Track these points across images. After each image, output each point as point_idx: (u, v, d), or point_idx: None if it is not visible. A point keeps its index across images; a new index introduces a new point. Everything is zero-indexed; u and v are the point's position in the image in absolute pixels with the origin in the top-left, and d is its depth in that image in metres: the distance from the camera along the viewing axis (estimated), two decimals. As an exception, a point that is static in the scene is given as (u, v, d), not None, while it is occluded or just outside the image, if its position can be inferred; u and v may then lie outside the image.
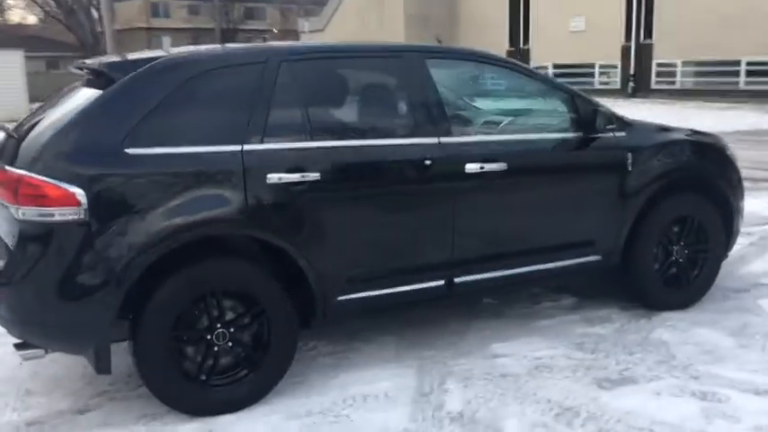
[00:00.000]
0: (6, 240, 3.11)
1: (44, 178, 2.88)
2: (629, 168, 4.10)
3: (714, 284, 4.55)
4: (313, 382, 3.52)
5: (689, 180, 4.43)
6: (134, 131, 3.03)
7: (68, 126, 3.03)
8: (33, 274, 2.95)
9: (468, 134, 3.97)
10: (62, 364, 3.72)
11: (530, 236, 3.97)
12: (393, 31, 30.31)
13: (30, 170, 2.92)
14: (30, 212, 2.91)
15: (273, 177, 3.20)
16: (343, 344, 3.95)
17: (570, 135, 4.04)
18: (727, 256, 4.65)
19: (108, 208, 2.96)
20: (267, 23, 58.22)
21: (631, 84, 25.92)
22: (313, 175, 3.28)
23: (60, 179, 2.88)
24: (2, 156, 3.22)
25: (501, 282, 3.90)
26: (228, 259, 3.32)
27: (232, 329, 3.23)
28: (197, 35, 47.50)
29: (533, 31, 29.84)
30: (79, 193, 2.88)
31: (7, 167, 3.04)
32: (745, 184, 4.76)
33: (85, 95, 3.24)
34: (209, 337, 3.19)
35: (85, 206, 2.89)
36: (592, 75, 27.64)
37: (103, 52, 21.38)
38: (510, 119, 4.18)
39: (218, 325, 3.20)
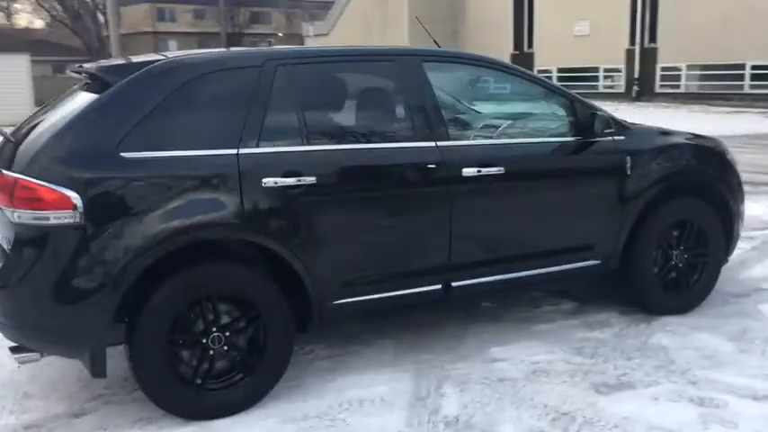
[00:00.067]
0: (2, 244, 3.12)
1: (39, 182, 2.89)
2: (628, 172, 4.09)
3: (714, 289, 4.53)
4: (310, 386, 3.52)
5: (688, 184, 4.41)
6: (130, 135, 3.03)
7: (64, 130, 3.03)
8: (29, 278, 2.96)
9: (466, 138, 3.97)
10: (59, 367, 3.72)
11: (527, 240, 3.96)
12: (397, 34, 30.37)
13: (26, 173, 2.93)
14: (25, 216, 2.92)
15: (269, 181, 3.20)
16: (341, 347, 3.95)
17: (568, 139, 4.03)
18: (727, 261, 4.63)
19: (104, 211, 2.96)
20: (272, 27, 58.44)
21: (636, 87, 25.91)
22: (309, 179, 3.28)
23: (56, 182, 2.89)
24: (-1, 159, 3.23)
25: (499, 286, 3.89)
26: (225, 263, 3.32)
27: (228, 333, 3.22)
28: (203, 39, 47.78)
29: (538, 34, 29.87)
30: (74, 196, 2.88)
31: (3, 171, 3.05)
32: (747, 188, 4.75)
33: (83, 99, 3.24)
34: (204, 340, 3.18)
35: (81, 209, 2.90)
36: (596, 78, 27.65)
37: (109, 56, 21.48)
38: (507, 122, 4.17)
39: (214, 329, 3.19)
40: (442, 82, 3.84)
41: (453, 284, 3.72)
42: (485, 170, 3.66)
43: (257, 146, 3.22)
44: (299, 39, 41.83)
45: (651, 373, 3.60)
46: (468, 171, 3.63)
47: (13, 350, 3.15)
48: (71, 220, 2.90)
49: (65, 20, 46.65)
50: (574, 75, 27.48)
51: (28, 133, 3.24)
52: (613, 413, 3.20)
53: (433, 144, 3.59)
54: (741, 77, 23.03)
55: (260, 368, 3.29)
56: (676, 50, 24.32)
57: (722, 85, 23.40)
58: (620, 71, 26.96)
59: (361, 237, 3.50)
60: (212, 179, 3.14)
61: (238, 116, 3.23)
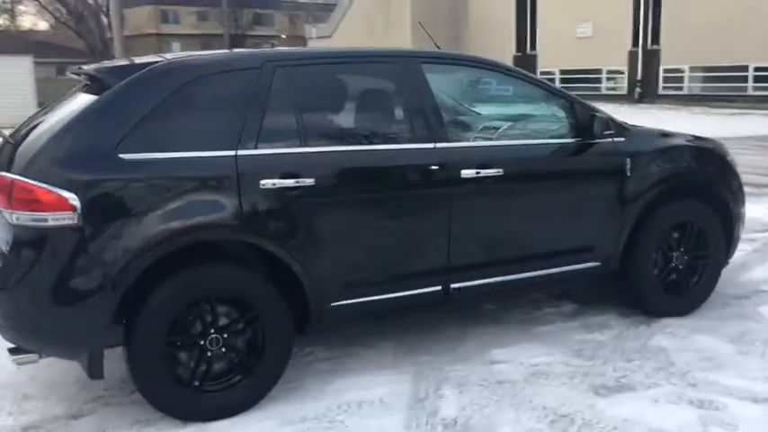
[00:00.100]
0: (1, 245, 3.12)
1: (37, 183, 2.89)
2: (628, 174, 4.08)
3: (715, 291, 4.52)
4: (308, 388, 3.51)
5: (688, 186, 4.40)
6: (128, 137, 3.03)
7: (63, 131, 3.04)
8: (27, 279, 2.96)
9: (465, 139, 3.96)
10: (59, 369, 3.72)
11: (527, 241, 3.95)
12: (400, 36, 30.37)
13: (24, 175, 2.93)
14: (23, 217, 2.92)
15: (267, 183, 3.20)
16: (340, 349, 3.94)
17: (567, 140, 4.03)
18: (727, 263, 4.62)
19: (102, 213, 2.96)
20: (275, 29, 58.49)
21: (638, 89, 25.88)
22: (307, 181, 3.27)
23: (54, 184, 2.89)
24: (-2, 161, 3.23)
25: (498, 288, 3.88)
26: (223, 265, 3.32)
27: (226, 335, 3.22)
28: (206, 41, 47.83)
29: (540, 36, 29.85)
30: (72, 197, 2.89)
31: (2, 173, 3.05)
32: (749, 189, 4.74)
33: (81, 101, 3.25)
34: (202, 342, 3.18)
35: (79, 211, 2.90)
36: (599, 80, 27.62)
37: (112, 58, 21.49)
38: (506, 124, 4.16)
39: (212, 330, 3.19)
40: (441, 84, 3.84)
41: (452, 286, 3.72)
42: (484, 172, 3.66)
43: (255, 147, 3.22)
44: (302, 41, 41.89)
45: (651, 375, 3.59)
46: (467, 172, 3.62)
47: (12, 351, 3.15)
48: (69, 222, 2.90)
49: (68, 22, 46.73)
50: (576, 76, 27.45)
51: (27, 135, 3.25)
52: (612, 415, 3.19)
53: (431, 145, 3.58)
54: (744, 79, 22.98)
55: (258, 370, 3.29)
56: (679, 52, 24.28)
57: (725, 87, 23.35)
58: (622, 73, 26.92)
59: (360, 238, 3.50)
60: (210, 180, 3.14)
61: (237, 118, 3.23)
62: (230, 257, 3.35)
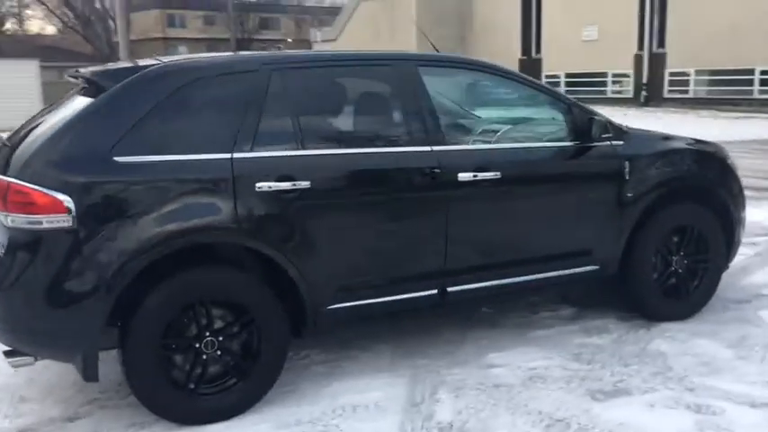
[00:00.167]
0: (-3, 248, 3.12)
1: (32, 185, 2.90)
2: (627, 177, 4.06)
3: (715, 295, 4.49)
4: (304, 391, 3.51)
5: (689, 189, 4.38)
6: (124, 139, 3.04)
7: (58, 134, 3.04)
8: (22, 282, 2.96)
9: (462, 143, 3.95)
10: (56, 371, 3.72)
11: (524, 245, 3.94)
12: (405, 39, 30.37)
13: (19, 178, 2.94)
14: (18, 220, 2.93)
15: (263, 185, 3.20)
16: (337, 352, 3.94)
17: (565, 144, 4.01)
18: (728, 267, 4.59)
19: (97, 215, 2.97)
20: (282, 33, 58.57)
21: (644, 93, 25.81)
22: (303, 184, 3.27)
23: (49, 187, 2.90)
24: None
25: (495, 291, 3.87)
26: (218, 267, 3.32)
27: (221, 338, 3.22)
28: (212, 45, 47.92)
29: (546, 40, 29.80)
30: (67, 200, 2.89)
31: (-2, 175, 3.06)
32: (751, 193, 4.72)
33: (78, 104, 3.26)
34: (198, 345, 3.18)
35: (74, 213, 2.90)
36: (604, 84, 27.56)
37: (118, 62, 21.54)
38: (504, 127, 4.15)
39: (208, 333, 3.19)
40: (438, 86, 3.83)
41: (449, 289, 3.71)
42: (481, 175, 3.65)
43: (251, 150, 3.22)
44: (308, 44, 41.94)
45: (648, 379, 3.57)
46: (464, 176, 3.61)
47: (7, 354, 3.16)
48: (64, 224, 2.90)
49: (76, 26, 47.00)
50: (582, 80, 27.42)
51: (24, 138, 3.25)
52: (608, 420, 3.18)
53: (428, 148, 3.58)
54: (750, 83, 22.89)
55: (254, 373, 3.29)
56: (685, 56, 24.20)
57: (731, 91, 23.26)
58: (628, 76, 26.85)
59: (356, 241, 3.49)
60: (206, 183, 3.14)
61: (233, 120, 3.23)
62: (226, 260, 3.35)
